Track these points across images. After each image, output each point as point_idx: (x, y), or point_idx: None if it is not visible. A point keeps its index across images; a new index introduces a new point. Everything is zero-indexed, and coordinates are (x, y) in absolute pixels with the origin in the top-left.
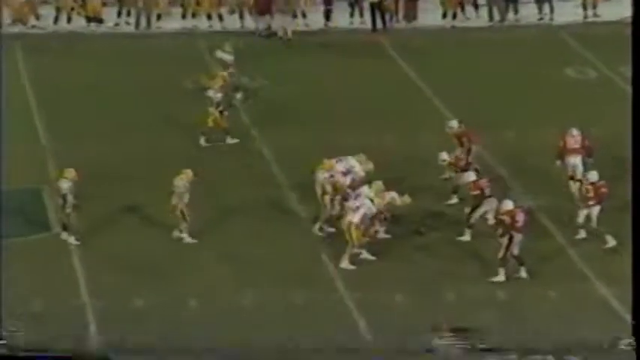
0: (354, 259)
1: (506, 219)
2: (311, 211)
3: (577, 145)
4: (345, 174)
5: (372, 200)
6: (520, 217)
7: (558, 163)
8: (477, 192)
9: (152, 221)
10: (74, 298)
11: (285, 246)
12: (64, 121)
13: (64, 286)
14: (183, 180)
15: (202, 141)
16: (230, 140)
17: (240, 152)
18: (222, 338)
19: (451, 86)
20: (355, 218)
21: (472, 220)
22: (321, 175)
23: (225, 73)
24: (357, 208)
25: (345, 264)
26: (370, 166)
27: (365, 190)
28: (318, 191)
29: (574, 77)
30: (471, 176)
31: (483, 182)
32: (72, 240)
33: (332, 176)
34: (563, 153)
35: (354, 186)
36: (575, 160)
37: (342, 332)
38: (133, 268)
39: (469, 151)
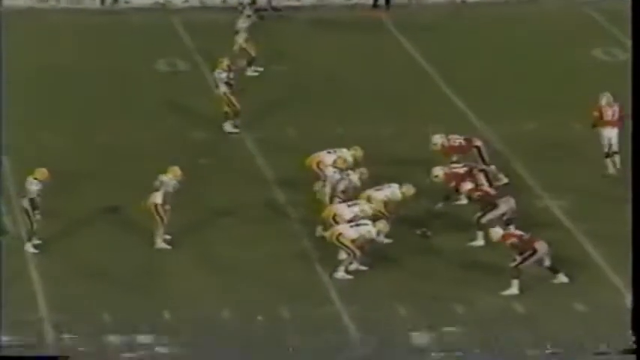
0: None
1: (514, 241)
2: (302, 212)
3: (614, 117)
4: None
5: (371, 216)
6: (519, 232)
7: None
8: (481, 193)
9: (122, 225)
10: (32, 311)
11: (272, 252)
12: (19, 110)
13: (22, 297)
14: (169, 178)
15: (230, 126)
16: (229, 128)
17: (221, 144)
18: (199, 355)
19: (461, 69)
20: (351, 234)
21: (483, 221)
22: (337, 175)
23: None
24: (357, 225)
25: (340, 274)
26: (365, 173)
27: (364, 206)
28: (328, 191)
29: (602, 59)
30: (467, 185)
31: (484, 187)
32: (29, 247)
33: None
34: (597, 124)
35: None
36: (611, 134)
37: (337, 350)
38: (99, 277)
39: (481, 158)
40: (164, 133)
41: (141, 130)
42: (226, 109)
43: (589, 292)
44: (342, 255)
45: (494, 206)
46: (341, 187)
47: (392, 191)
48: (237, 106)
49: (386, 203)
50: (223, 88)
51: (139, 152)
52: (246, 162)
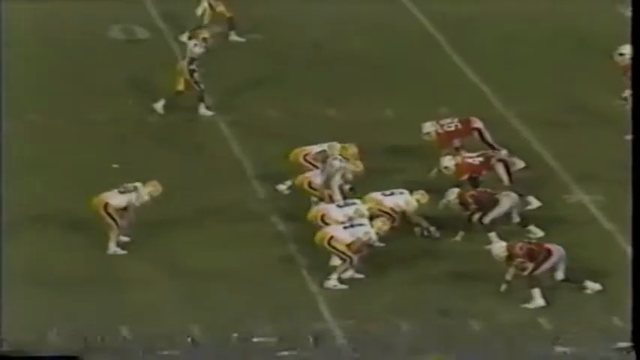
0: (345, 276)
1: (518, 251)
2: (287, 210)
3: None
4: (314, 165)
5: (369, 218)
6: (524, 247)
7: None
8: (474, 193)
9: (71, 224)
10: None
11: (251, 257)
12: None
13: None
14: (144, 192)
15: (159, 106)
16: (204, 111)
17: (189, 128)
18: None
19: (477, 38)
20: (345, 237)
21: (486, 222)
22: (338, 163)
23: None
24: (351, 227)
25: (333, 283)
26: (360, 167)
27: (359, 207)
28: (322, 181)
29: None
30: (452, 193)
31: (472, 193)
32: None
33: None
34: None
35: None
36: None
37: None
38: (43, 286)
39: (485, 142)
40: (119, 114)
41: (92, 110)
42: (180, 87)
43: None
44: (335, 261)
45: (495, 202)
46: (338, 181)
47: (405, 199)
48: (201, 86)
49: (395, 212)
50: (187, 62)
51: (89, 137)
52: (220, 149)
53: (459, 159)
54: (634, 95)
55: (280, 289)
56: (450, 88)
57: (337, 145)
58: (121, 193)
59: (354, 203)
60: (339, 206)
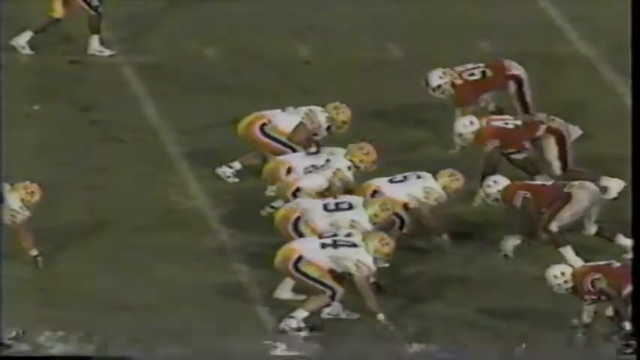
0: (314, 319)
1: (597, 278)
2: (230, 212)
3: None
4: (285, 145)
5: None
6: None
7: None
8: (527, 190)
9: None
10: None
11: (174, 283)
12: None
13: None
14: (17, 202)
15: (21, 41)
16: (98, 48)
17: (76, 79)
18: None
19: None
20: (321, 260)
21: (554, 228)
22: (349, 174)
23: None
24: (334, 245)
25: (295, 323)
26: (371, 157)
27: (358, 215)
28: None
29: None
30: (494, 184)
31: (530, 184)
32: None
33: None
34: None
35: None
36: None
37: None
38: None
39: (521, 98)
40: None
41: None
42: (57, 12)
43: None
44: (285, 292)
45: (565, 199)
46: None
47: (425, 188)
48: (98, 10)
49: (409, 209)
50: None
51: None
52: (125, 110)
53: (483, 122)
54: (634, 95)
55: (223, 331)
56: (496, 11)
57: (318, 112)
58: None
59: (350, 206)
60: (328, 209)
